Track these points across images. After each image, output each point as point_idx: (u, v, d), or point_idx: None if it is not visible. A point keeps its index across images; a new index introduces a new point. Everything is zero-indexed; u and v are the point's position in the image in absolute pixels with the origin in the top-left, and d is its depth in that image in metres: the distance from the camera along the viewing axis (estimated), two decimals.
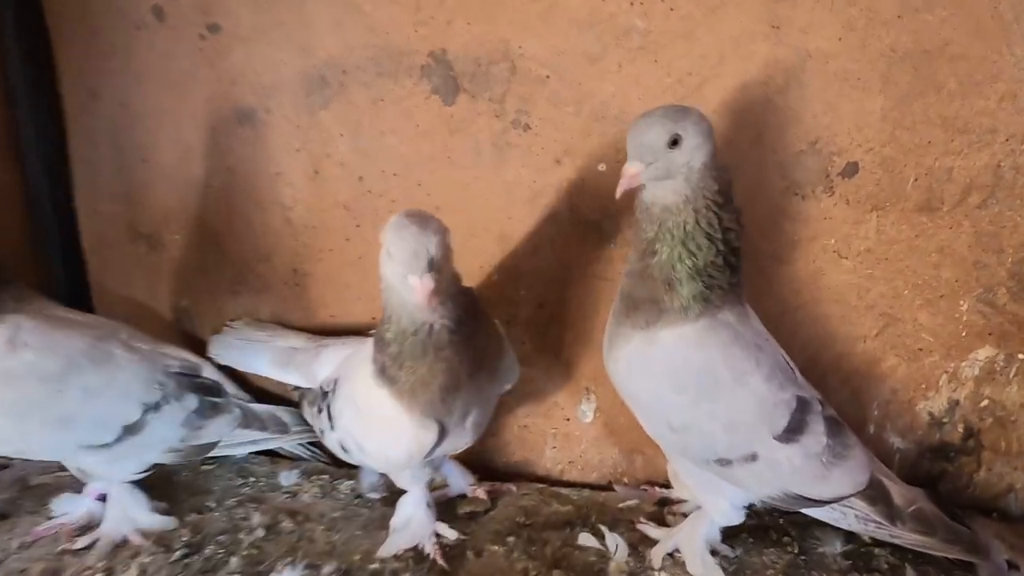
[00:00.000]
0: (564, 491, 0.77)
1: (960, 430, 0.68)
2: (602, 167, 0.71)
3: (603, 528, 0.66)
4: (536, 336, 0.78)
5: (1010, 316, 0.64)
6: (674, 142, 0.50)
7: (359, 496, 0.77)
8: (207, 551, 0.66)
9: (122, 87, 0.87)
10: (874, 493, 0.56)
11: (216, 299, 0.90)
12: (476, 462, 0.84)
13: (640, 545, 0.65)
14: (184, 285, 0.91)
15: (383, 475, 0.80)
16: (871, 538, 0.62)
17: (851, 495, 0.56)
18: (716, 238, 0.52)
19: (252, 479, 0.80)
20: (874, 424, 0.70)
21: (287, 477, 0.81)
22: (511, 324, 0.78)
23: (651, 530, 0.66)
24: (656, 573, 0.61)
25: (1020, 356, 0.65)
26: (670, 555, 0.62)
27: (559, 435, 0.80)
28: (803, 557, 0.62)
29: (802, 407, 0.54)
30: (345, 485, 0.79)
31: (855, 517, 0.57)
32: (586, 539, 0.66)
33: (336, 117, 0.79)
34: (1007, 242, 0.62)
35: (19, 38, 0.84)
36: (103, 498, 0.73)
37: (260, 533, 0.69)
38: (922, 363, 0.67)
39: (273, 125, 0.82)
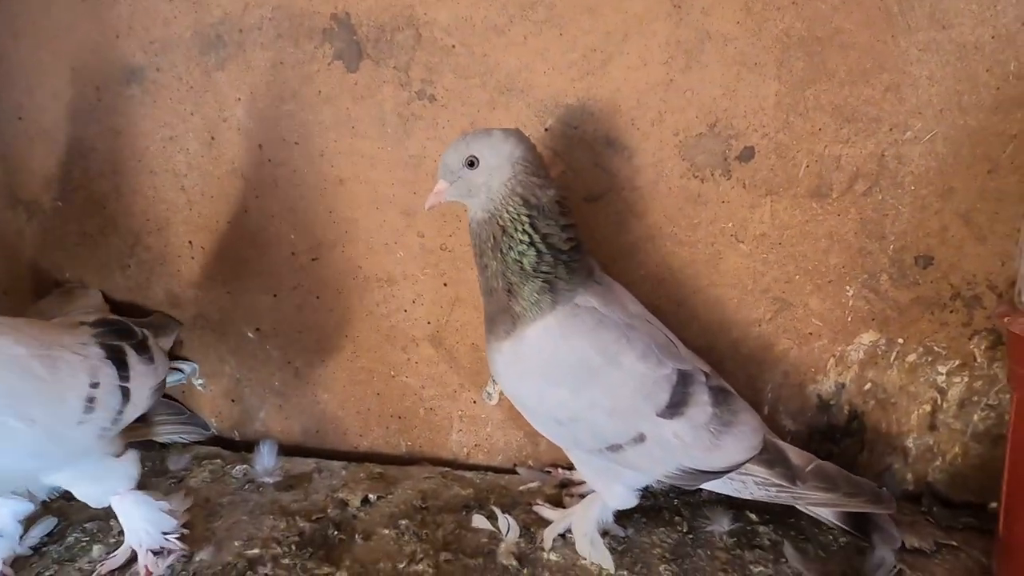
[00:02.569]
0: (468, 474, 0.75)
1: (846, 412, 0.70)
2: None
3: (496, 510, 0.64)
4: (442, 316, 0.75)
5: (891, 302, 0.66)
6: (471, 163, 0.54)
7: (251, 481, 0.73)
8: (69, 539, 0.61)
9: None
10: (770, 456, 0.56)
11: (104, 272, 0.83)
12: (382, 445, 0.81)
13: (534, 527, 0.63)
14: (69, 257, 0.84)
15: (280, 459, 0.76)
16: (760, 513, 0.64)
17: (746, 461, 0.55)
18: (535, 243, 0.53)
19: (150, 462, 0.75)
20: (768, 407, 0.71)
21: (176, 461, 0.76)
22: (416, 303, 0.76)
23: (546, 511, 0.65)
24: (545, 553, 0.59)
25: (900, 341, 0.66)
26: (562, 536, 0.61)
27: (465, 418, 0.78)
28: (691, 536, 0.62)
29: (684, 380, 0.54)
30: (238, 469, 0.75)
31: (755, 484, 0.56)
32: (479, 521, 0.64)
33: (232, 79, 0.74)
34: (889, 229, 0.64)
35: None
36: None
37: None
38: (812, 347, 0.68)
39: (164, 85, 0.76)
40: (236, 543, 0.61)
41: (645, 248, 0.68)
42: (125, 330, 0.65)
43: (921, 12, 0.59)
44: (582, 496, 0.67)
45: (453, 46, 0.67)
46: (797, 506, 0.58)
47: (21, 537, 0.60)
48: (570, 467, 0.73)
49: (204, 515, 0.65)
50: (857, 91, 0.61)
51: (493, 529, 0.63)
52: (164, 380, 0.68)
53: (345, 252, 0.76)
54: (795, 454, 0.58)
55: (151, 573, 0.58)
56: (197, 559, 0.58)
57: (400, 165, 0.72)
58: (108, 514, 0.64)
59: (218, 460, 0.77)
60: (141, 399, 0.63)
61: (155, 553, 0.59)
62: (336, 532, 0.63)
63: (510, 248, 0.53)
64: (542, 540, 0.61)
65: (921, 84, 0.60)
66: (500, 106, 0.67)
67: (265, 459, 0.76)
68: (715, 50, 0.63)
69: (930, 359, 0.66)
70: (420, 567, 0.57)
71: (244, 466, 0.75)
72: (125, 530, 0.60)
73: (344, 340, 0.79)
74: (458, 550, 0.60)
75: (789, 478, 0.56)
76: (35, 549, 0.61)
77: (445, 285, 0.74)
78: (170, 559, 0.59)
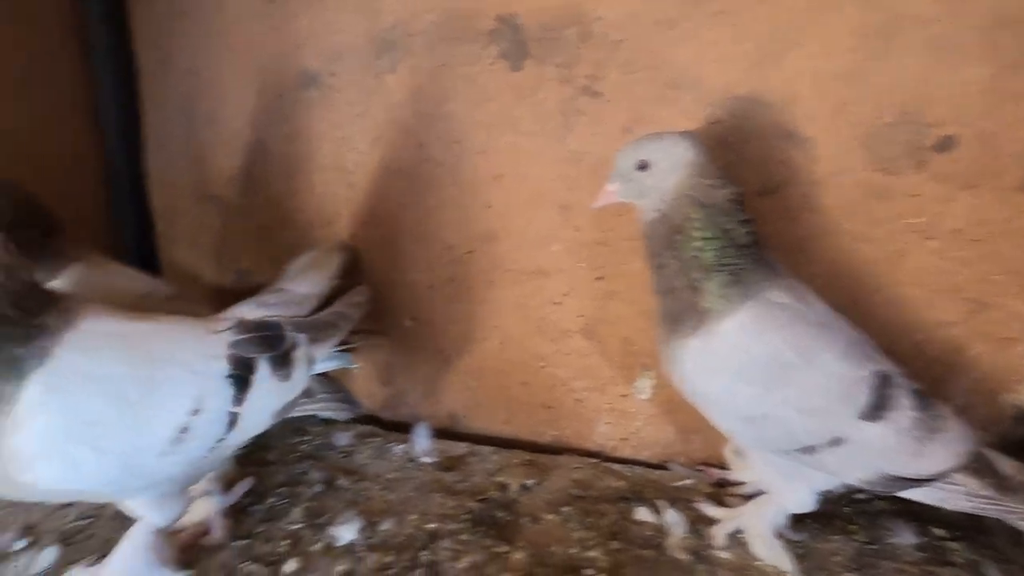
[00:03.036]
0: (617, 467, 0.75)
1: None
2: None
3: (659, 503, 0.64)
4: (595, 309, 0.76)
5: None
6: (642, 167, 0.55)
7: (411, 459, 0.78)
8: (269, 501, 0.68)
9: (191, 52, 0.88)
10: (979, 465, 0.52)
11: (276, 262, 0.91)
12: (527, 433, 0.83)
13: (698, 524, 0.63)
14: (246, 248, 0.93)
15: (435, 439, 0.80)
16: (947, 529, 0.59)
17: (953, 469, 0.52)
18: (713, 238, 0.52)
19: (308, 437, 0.82)
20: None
21: (340, 438, 0.82)
22: (569, 296, 0.77)
23: (711, 509, 0.64)
24: (718, 551, 0.59)
25: None
26: (733, 535, 0.60)
27: (614, 411, 0.78)
28: (872, 546, 0.59)
29: (884, 382, 0.51)
30: (398, 448, 0.80)
31: (962, 494, 0.52)
32: (643, 514, 0.64)
33: (401, 82, 0.78)
34: None
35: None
36: None
37: (319, 488, 0.70)
38: (1009, 353, 0.63)
39: (338, 88, 0.82)
40: (412, 516, 0.65)
41: (819, 244, 0.65)
42: (273, 339, 0.57)
43: None
44: (744, 497, 0.66)
45: (620, 41, 0.68)
46: (1008, 521, 0.54)
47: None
48: (723, 466, 0.72)
49: (379, 488, 0.70)
50: None
51: (658, 523, 0.63)
52: (298, 396, 0.60)
53: (499, 246, 0.79)
54: (1006, 464, 0.53)
55: None
56: (383, 527, 0.63)
57: (560, 161, 0.73)
58: (295, 479, 0.71)
59: (378, 439, 0.82)
60: (256, 422, 0.56)
61: None
62: (503, 514, 0.65)
63: (686, 245, 0.53)
64: (713, 538, 0.60)
65: None
66: (668, 101, 0.67)
67: (421, 440, 0.81)
68: (910, 34, 0.59)
69: None
70: (593, 554, 0.59)
71: (403, 446, 0.80)
72: (113, 556, 0.55)
73: (494, 331, 0.82)
74: (626, 540, 0.61)
75: (999, 488, 0.52)
76: (239, 508, 0.68)
77: (600, 279, 0.75)
78: None
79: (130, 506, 0.55)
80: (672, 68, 0.66)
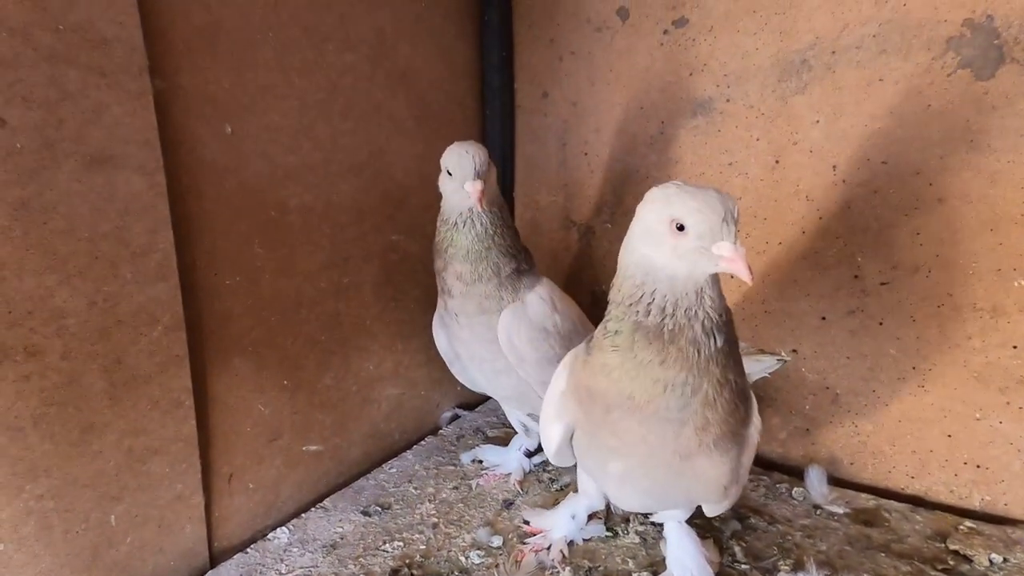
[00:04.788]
0: None
1: None
2: None
3: None
4: None
5: None
6: None
7: (816, 507, 0.71)
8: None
9: (574, 87, 0.94)
10: None
11: None
12: (942, 493, 0.72)
13: None
14: (604, 271, 0.96)
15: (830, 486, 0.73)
16: None
17: None
18: None
19: None
20: None
21: None
22: None
23: None
24: None
25: None
26: None
27: None
28: None
29: None
30: (796, 491, 0.74)
31: None
32: None
33: (813, 102, 0.74)
34: None
35: (499, 42, 0.95)
36: (529, 454, 0.80)
37: (735, 525, 0.67)
38: None
39: (731, 114, 0.80)
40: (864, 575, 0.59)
41: None
42: None
43: None
44: None
45: None
46: None
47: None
48: None
49: (803, 536, 0.65)
50: None
51: None
52: None
53: (931, 277, 0.70)
54: None
55: None
56: None
57: None
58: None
59: (765, 478, 0.78)
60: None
61: None
62: None
63: None
64: None
65: None
66: None
67: (817, 486, 0.74)
68: None
69: None
70: None
71: (801, 488, 0.74)
72: (672, 557, 0.59)
73: (912, 372, 0.72)
74: None
75: None
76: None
77: None
78: None
79: None
80: None
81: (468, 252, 0.64)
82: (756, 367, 0.68)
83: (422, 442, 0.89)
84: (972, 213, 0.66)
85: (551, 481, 0.77)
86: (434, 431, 0.92)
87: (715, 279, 0.46)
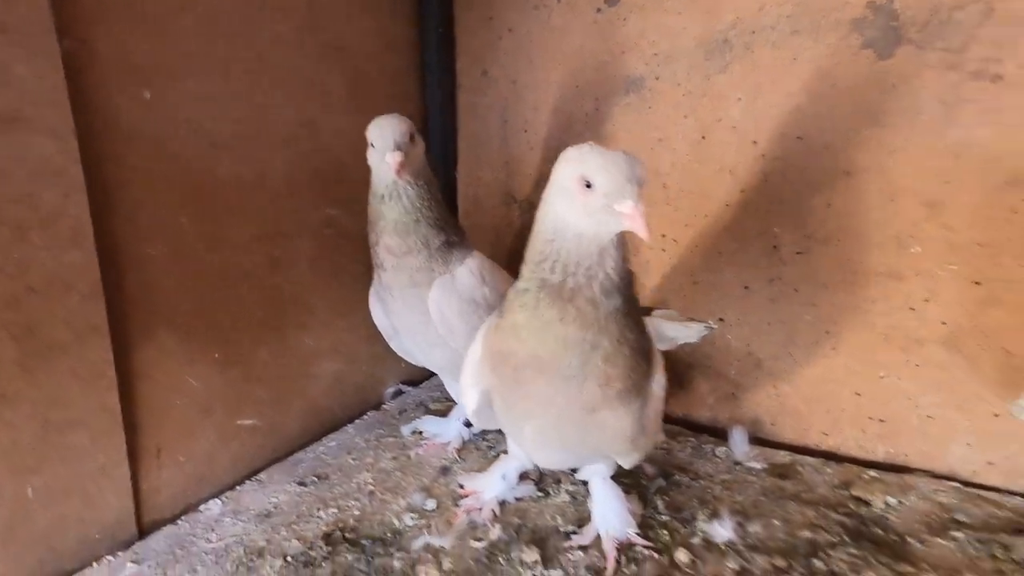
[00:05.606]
0: (986, 494, 0.67)
1: None
2: None
3: None
4: (962, 316, 0.68)
5: None
6: None
7: (737, 463, 0.76)
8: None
9: (513, 65, 0.94)
10: None
11: None
12: (852, 447, 0.77)
13: None
14: None
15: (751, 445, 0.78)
16: None
17: None
18: None
19: None
20: None
21: None
22: (929, 302, 0.70)
23: None
24: None
25: None
26: None
27: (978, 432, 0.70)
28: None
29: None
30: (720, 450, 0.78)
31: None
32: None
33: (734, 81, 0.77)
34: None
35: (437, 19, 0.95)
36: (468, 424, 0.81)
37: (660, 482, 0.71)
38: None
39: (660, 92, 0.83)
40: (776, 522, 0.63)
41: None
42: None
43: None
44: None
45: None
46: None
47: None
48: None
49: (722, 489, 0.69)
50: None
51: None
52: None
53: (840, 246, 0.74)
54: None
55: (617, 562, 0.57)
56: (751, 531, 0.62)
57: (934, 154, 0.67)
58: (631, 472, 0.73)
59: (687, 437, 0.82)
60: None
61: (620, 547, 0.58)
62: (879, 531, 0.61)
63: None
64: None
65: None
66: None
67: (739, 444, 0.79)
68: None
69: None
70: None
71: (725, 448, 0.78)
72: (596, 511, 0.62)
73: (825, 336, 0.77)
74: None
75: None
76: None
77: (977, 284, 0.67)
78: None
79: None
80: None
81: (396, 225, 0.64)
82: (683, 332, 0.72)
83: (364, 416, 0.89)
84: (875, 185, 0.71)
85: (488, 448, 0.79)
86: (377, 406, 0.93)
87: (619, 242, 0.48)
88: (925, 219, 0.69)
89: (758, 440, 0.82)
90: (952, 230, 0.67)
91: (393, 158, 0.60)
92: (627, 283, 0.49)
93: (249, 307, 0.74)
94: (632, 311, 0.49)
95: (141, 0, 0.60)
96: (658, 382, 0.54)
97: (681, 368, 0.88)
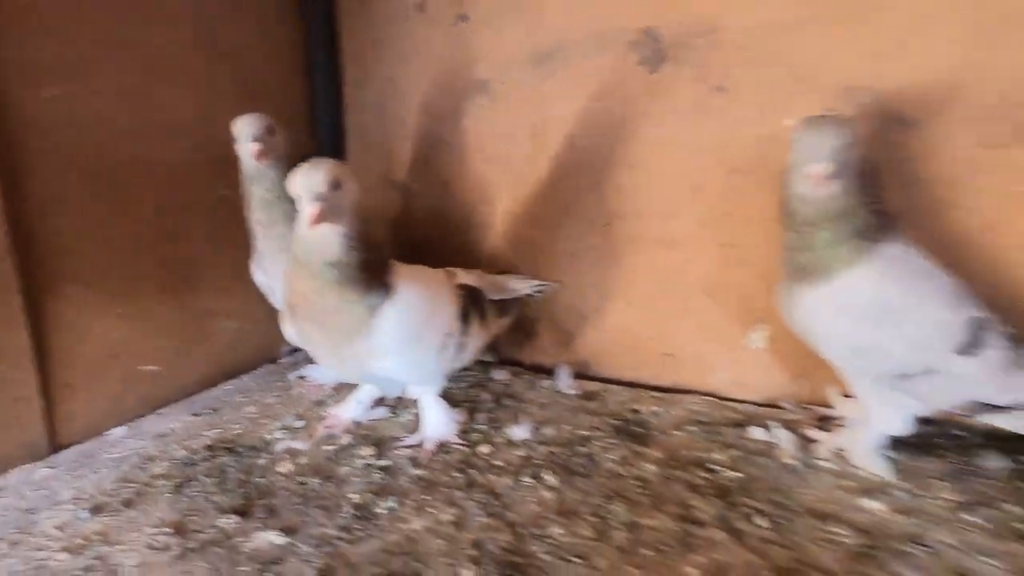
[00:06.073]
0: (731, 404, 0.89)
1: None
2: (788, 122, 0.80)
3: (772, 425, 0.78)
4: (716, 271, 0.90)
5: None
6: (846, 149, 0.60)
7: (558, 392, 0.95)
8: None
9: (388, 65, 1.11)
10: None
11: (450, 233, 1.13)
12: (650, 377, 0.98)
13: (803, 442, 0.75)
14: (421, 223, 1.15)
15: (573, 380, 0.98)
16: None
17: None
18: (865, 210, 0.62)
19: (473, 374, 1.02)
20: None
21: (498, 374, 1.02)
22: (694, 262, 0.91)
23: (815, 433, 0.76)
24: (822, 462, 0.71)
25: None
26: (835, 452, 0.73)
27: (730, 359, 0.92)
28: (966, 467, 0.69)
29: (979, 325, 0.62)
30: (545, 383, 0.98)
31: None
32: (756, 433, 0.78)
33: (556, 86, 0.96)
34: None
35: (321, 25, 1.10)
36: None
37: (491, 405, 0.90)
38: None
39: (503, 94, 1.01)
40: (567, 426, 0.83)
41: (922, 212, 0.75)
42: (478, 297, 0.84)
43: None
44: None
45: (746, 45, 0.81)
46: None
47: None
48: (827, 407, 0.83)
49: (536, 408, 0.89)
50: None
51: (769, 439, 0.76)
52: (488, 340, 0.89)
53: (633, 220, 0.94)
54: None
55: (430, 453, 0.76)
56: (545, 432, 0.81)
57: (692, 148, 0.88)
58: (471, 399, 0.92)
59: (528, 376, 1.01)
60: (472, 351, 0.84)
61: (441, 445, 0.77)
62: (639, 429, 0.82)
63: (849, 216, 0.62)
64: (816, 451, 0.73)
65: None
66: (789, 93, 0.79)
67: (563, 380, 0.99)
68: (1017, 29, 0.67)
69: None
70: (716, 456, 0.73)
71: (549, 381, 0.98)
72: (426, 421, 0.80)
73: (626, 291, 0.98)
74: (743, 449, 0.75)
75: None
76: None
77: (722, 246, 0.89)
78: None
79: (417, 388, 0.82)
80: (793, 66, 0.79)
81: (262, 201, 0.80)
82: (523, 285, 0.92)
83: (259, 368, 1.05)
84: (651, 173, 0.91)
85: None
86: (273, 361, 1.09)
87: (346, 228, 0.65)
88: (690, 199, 0.89)
89: (585, 376, 1.02)
90: (707, 206, 0.88)
91: (251, 147, 0.76)
92: (352, 260, 0.65)
93: (149, 271, 0.88)
94: (360, 276, 0.66)
95: (43, 12, 0.73)
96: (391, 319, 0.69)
97: (528, 323, 1.07)
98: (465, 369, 1.03)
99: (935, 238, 0.75)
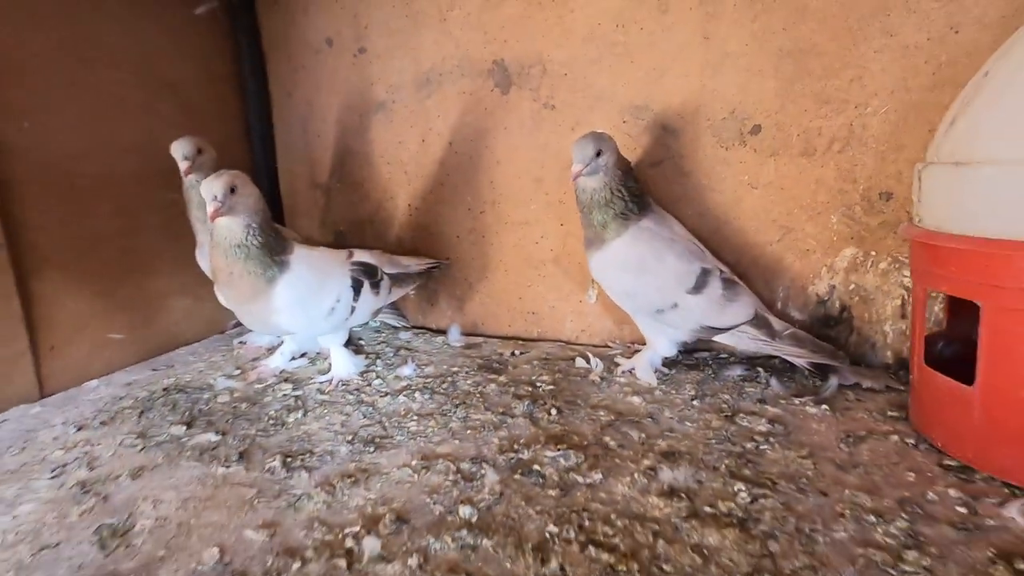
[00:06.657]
0: (576, 346, 1.16)
1: (837, 306, 0.99)
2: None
3: (589, 354, 1.05)
4: (560, 245, 1.17)
5: (864, 225, 0.93)
6: (598, 153, 0.87)
7: (447, 345, 1.21)
8: (364, 361, 1.14)
9: (307, 90, 1.35)
10: (758, 321, 0.91)
11: (360, 226, 1.38)
12: (521, 331, 1.25)
13: (611, 367, 1.03)
14: (341, 217, 1.40)
15: (462, 337, 1.24)
16: (765, 368, 0.96)
17: (743, 323, 0.90)
18: (624, 197, 0.90)
19: (383, 334, 1.27)
20: (781, 303, 1.02)
21: (402, 335, 1.28)
22: (544, 238, 1.18)
23: (619, 358, 1.04)
24: (618, 377, 0.99)
25: (873, 253, 0.94)
26: (629, 371, 1.00)
27: (575, 312, 1.19)
28: (713, 376, 0.97)
29: (704, 273, 0.90)
30: (438, 339, 1.24)
31: (748, 338, 0.91)
32: (580, 363, 1.05)
33: (435, 105, 1.22)
34: (859, 175, 0.92)
35: (250, 59, 1.34)
36: None
37: (392, 355, 1.15)
38: (809, 259, 0.98)
39: (397, 111, 1.26)
40: (444, 366, 1.09)
41: (690, 196, 1.03)
42: (372, 272, 1.06)
43: (873, 26, 0.86)
44: None
45: (565, 74, 1.08)
46: (781, 355, 0.91)
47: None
48: (641, 343, 1.11)
49: (426, 356, 1.14)
50: (831, 83, 0.90)
51: (588, 367, 1.04)
52: (384, 304, 1.12)
53: (499, 207, 1.21)
54: (776, 322, 0.90)
55: (334, 386, 0.99)
56: (426, 371, 1.07)
57: (534, 150, 1.14)
58: (377, 352, 1.17)
59: (426, 334, 1.27)
60: (364, 312, 1.06)
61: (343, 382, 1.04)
62: (498, 365, 1.08)
63: (611, 202, 0.89)
64: (615, 371, 1.00)
65: (876, 74, 0.88)
66: (595, 109, 1.07)
67: (453, 335, 1.25)
68: (732, 63, 0.95)
69: (897, 266, 0.93)
70: (546, 378, 1.00)
71: (442, 337, 1.24)
72: (333, 364, 1.06)
73: (499, 263, 1.24)
74: (566, 374, 1.02)
75: (770, 335, 0.89)
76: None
77: (561, 225, 1.15)
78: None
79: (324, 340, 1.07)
80: (596, 89, 1.06)
81: (198, 203, 1.04)
82: (416, 262, 1.18)
83: (209, 338, 1.28)
84: (510, 169, 1.18)
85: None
86: (221, 332, 1.32)
87: (248, 220, 0.89)
88: (535, 189, 1.16)
89: (474, 334, 1.29)
90: (548, 194, 1.15)
91: (182, 165, 1.00)
92: (257, 243, 0.89)
93: (113, 258, 1.12)
94: (262, 256, 0.90)
95: (12, 61, 0.96)
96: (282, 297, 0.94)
97: (430, 294, 1.33)
98: (377, 331, 1.29)
99: (701, 213, 1.03)
